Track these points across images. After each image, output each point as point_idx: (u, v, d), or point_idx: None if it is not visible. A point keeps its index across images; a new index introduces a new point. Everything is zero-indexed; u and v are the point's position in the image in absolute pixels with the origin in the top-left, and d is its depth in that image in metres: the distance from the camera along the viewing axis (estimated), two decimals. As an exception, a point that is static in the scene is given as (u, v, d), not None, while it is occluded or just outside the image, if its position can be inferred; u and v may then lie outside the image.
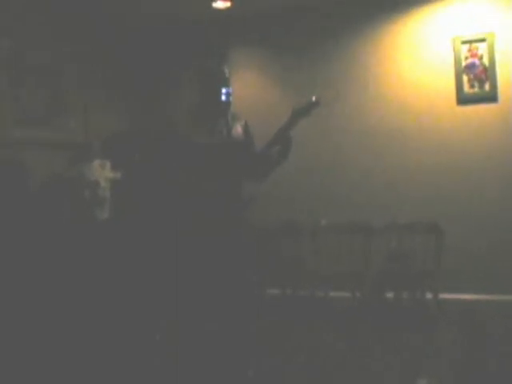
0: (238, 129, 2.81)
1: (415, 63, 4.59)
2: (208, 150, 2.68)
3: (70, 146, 4.33)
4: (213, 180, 2.69)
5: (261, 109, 4.96)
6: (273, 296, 4.37)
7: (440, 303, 3.98)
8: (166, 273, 2.96)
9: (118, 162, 3.95)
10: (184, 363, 2.70)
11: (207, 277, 2.67)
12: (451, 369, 3.01)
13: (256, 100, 5.06)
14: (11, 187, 3.53)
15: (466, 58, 4.40)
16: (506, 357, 2.96)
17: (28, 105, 4.16)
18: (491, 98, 4.32)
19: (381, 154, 4.66)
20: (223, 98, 2.69)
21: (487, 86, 4.33)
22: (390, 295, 4.15)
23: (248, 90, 5.07)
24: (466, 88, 4.40)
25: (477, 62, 4.37)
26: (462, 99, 4.41)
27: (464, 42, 4.41)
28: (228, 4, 4.73)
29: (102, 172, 3.80)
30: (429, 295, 4.01)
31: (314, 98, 2.69)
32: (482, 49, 4.35)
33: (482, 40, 4.34)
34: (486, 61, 4.33)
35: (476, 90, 4.37)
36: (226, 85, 2.73)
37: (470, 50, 4.39)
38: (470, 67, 4.39)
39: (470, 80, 4.39)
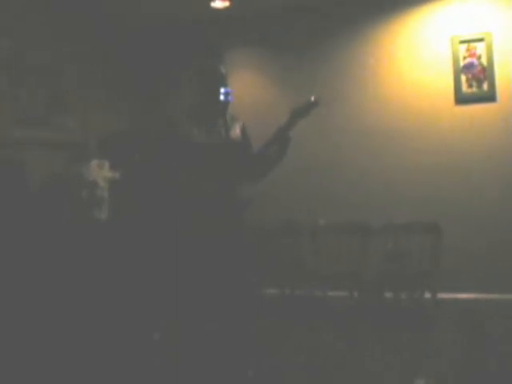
0: (237, 130, 2.80)
1: (413, 63, 4.57)
2: (206, 150, 2.66)
3: (70, 146, 4.31)
4: (212, 180, 2.67)
5: (260, 109, 4.94)
6: (272, 296, 4.35)
7: (439, 303, 3.96)
8: (165, 273, 2.93)
9: (117, 162, 3.92)
10: (184, 363, 2.68)
11: (207, 277, 2.65)
12: (450, 369, 3.00)
13: (255, 100, 5.03)
14: (10, 187, 3.51)
15: (465, 58, 4.38)
16: (505, 356, 2.94)
17: (28, 105, 4.14)
18: (489, 97, 4.30)
19: (379, 153, 4.63)
20: (222, 97, 2.67)
21: (485, 86, 4.31)
22: (388, 295, 4.13)
23: (247, 90, 5.04)
24: (465, 88, 4.38)
25: (475, 61, 4.34)
26: (461, 99, 4.39)
27: (462, 42, 4.38)
28: (227, 4, 4.69)
29: (101, 172, 3.77)
30: (427, 295, 3.98)
31: (312, 98, 2.68)
32: (480, 48, 4.32)
33: (480, 40, 4.32)
34: (484, 60, 4.31)
35: (474, 89, 4.35)
36: (225, 85, 2.70)
37: (468, 50, 4.37)
38: (468, 67, 4.36)
39: (468, 80, 4.36)
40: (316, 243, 4.38)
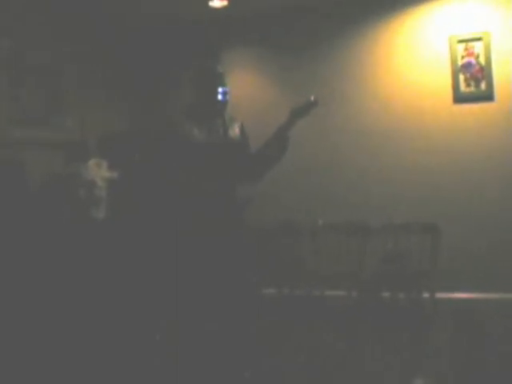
0: (236, 130, 2.78)
1: (412, 62, 4.54)
2: (206, 150, 2.63)
3: (69, 145, 4.28)
4: (212, 180, 2.64)
5: (259, 108, 4.91)
6: (271, 296, 4.33)
7: (438, 303, 3.93)
8: (165, 273, 2.90)
9: (116, 162, 3.89)
10: (184, 363, 2.65)
11: (207, 277, 2.62)
12: (449, 368, 2.98)
13: (255, 100, 5.00)
14: (10, 187, 3.48)
15: (463, 57, 4.34)
16: (504, 356, 2.91)
17: (28, 105, 4.12)
18: (487, 97, 4.27)
19: (378, 153, 4.60)
20: (220, 97, 2.64)
21: (483, 85, 4.28)
22: (387, 295, 4.10)
23: (246, 90, 5.00)
24: (463, 87, 4.34)
25: (473, 61, 4.31)
26: (459, 98, 4.35)
27: (460, 41, 4.34)
28: (225, 3, 4.65)
29: (99, 171, 3.73)
30: (426, 295, 3.96)
31: (312, 98, 2.67)
32: (479, 48, 4.29)
33: (479, 39, 4.28)
34: (482, 60, 4.28)
35: (472, 89, 4.32)
36: (223, 84, 2.66)
37: (466, 49, 4.33)
38: (467, 66, 4.33)
39: (466, 79, 4.33)
40: (315, 243, 4.35)
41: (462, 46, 4.33)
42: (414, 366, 3.06)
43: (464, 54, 4.33)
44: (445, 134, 4.40)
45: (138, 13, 4.84)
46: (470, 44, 4.31)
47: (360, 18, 4.68)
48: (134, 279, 3.49)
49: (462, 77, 4.33)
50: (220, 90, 2.65)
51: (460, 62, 4.34)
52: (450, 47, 4.37)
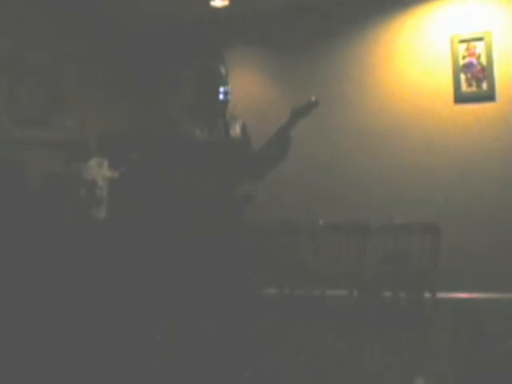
0: (237, 129, 2.77)
1: (413, 62, 4.54)
2: (206, 149, 2.63)
3: (70, 145, 4.29)
4: (212, 180, 2.65)
5: (260, 108, 4.92)
6: (271, 296, 4.33)
7: (438, 302, 3.94)
8: (165, 273, 2.91)
9: (116, 162, 3.90)
10: (184, 363, 2.66)
11: (207, 277, 2.63)
12: (449, 368, 2.98)
13: (255, 99, 5.01)
14: (10, 187, 3.49)
15: (464, 57, 4.35)
16: (504, 356, 2.92)
17: (28, 105, 4.13)
18: (489, 97, 4.28)
19: (378, 153, 4.61)
20: (221, 97, 2.64)
21: (485, 85, 4.29)
22: (387, 295, 4.11)
23: (247, 90, 5.01)
24: (464, 87, 4.35)
25: (474, 61, 4.32)
26: (460, 98, 4.36)
27: (462, 41, 4.35)
28: (226, 2, 4.66)
29: (100, 171, 3.74)
30: (427, 295, 3.96)
31: (313, 98, 2.66)
32: (480, 48, 4.30)
33: (480, 39, 4.29)
34: (483, 60, 4.29)
35: (473, 88, 4.33)
36: (224, 83, 2.67)
37: (467, 49, 4.34)
38: (468, 66, 4.34)
39: (467, 79, 4.34)
40: (316, 243, 4.35)
41: (463, 45, 4.34)
42: (414, 366, 3.06)
43: (465, 53, 4.34)
44: (446, 134, 4.41)
45: (137, 13, 4.85)
46: (472, 44, 4.31)
47: (361, 18, 4.69)
48: (135, 279, 3.50)
49: (463, 77, 4.34)
50: (221, 89, 2.64)
51: (461, 62, 4.34)
52: (452, 47, 4.38)
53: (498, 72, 4.25)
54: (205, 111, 2.72)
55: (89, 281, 3.38)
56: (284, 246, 4.45)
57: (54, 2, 4.37)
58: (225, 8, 4.76)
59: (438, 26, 4.45)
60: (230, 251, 2.71)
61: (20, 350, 3.03)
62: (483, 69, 4.28)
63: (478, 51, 4.30)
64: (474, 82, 4.32)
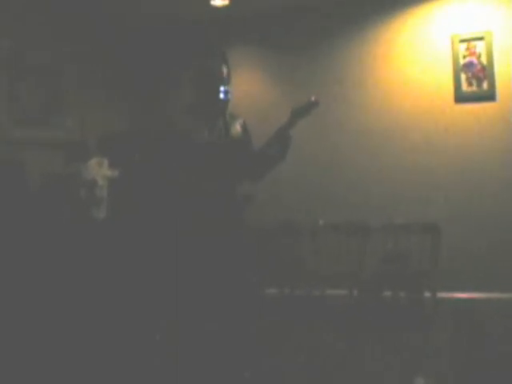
0: (237, 127, 2.78)
1: (413, 61, 4.56)
2: (206, 149, 2.64)
3: (70, 145, 4.30)
4: (212, 180, 2.66)
5: (260, 108, 4.94)
6: (272, 296, 4.35)
7: (438, 302, 3.95)
8: (165, 273, 2.93)
9: (117, 162, 3.91)
10: (184, 363, 2.67)
11: (207, 277, 2.64)
12: (450, 368, 2.99)
13: (255, 99, 5.03)
14: (10, 187, 3.50)
15: (464, 57, 4.37)
16: (505, 356, 2.93)
17: (28, 105, 4.14)
18: (489, 96, 4.29)
19: (378, 153, 4.63)
20: (221, 96, 2.65)
21: (485, 85, 4.30)
22: (387, 295, 4.12)
23: (247, 90, 5.03)
24: (464, 86, 4.37)
25: (475, 60, 4.33)
26: (460, 98, 4.38)
27: (462, 41, 4.37)
28: (226, 2, 4.68)
29: (100, 170, 3.75)
30: (427, 294, 3.98)
31: (313, 98, 2.66)
32: (480, 47, 4.31)
33: (480, 38, 4.31)
34: (483, 59, 4.30)
35: (474, 88, 4.34)
36: (224, 83, 2.68)
37: (468, 49, 4.36)
38: (468, 66, 4.35)
39: (468, 78, 4.36)
40: (316, 243, 4.37)
41: (463, 45, 4.36)
42: (414, 366, 3.07)
43: (466, 53, 4.35)
44: (446, 134, 4.42)
45: (137, 13, 4.87)
46: (472, 43, 4.33)
47: (361, 18, 4.71)
48: (135, 279, 3.52)
49: (463, 76, 4.35)
50: (222, 89, 2.65)
51: (462, 62, 4.36)
52: (452, 46, 4.39)
53: (498, 71, 4.26)
54: (205, 111, 2.72)
55: (89, 281, 3.39)
56: (284, 245, 4.46)
57: (53, 2, 4.39)
58: (225, 8, 4.77)
59: (439, 25, 4.47)
60: (230, 251, 2.71)
61: (20, 350, 3.04)
62: (483, 68, 4.30)
63: (478, 51, 4.31)
64: (474, 81, 4.34)
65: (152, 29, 5.21)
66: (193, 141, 2.64)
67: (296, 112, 2.68)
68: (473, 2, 4.36)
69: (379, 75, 4.67)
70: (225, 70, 2.73)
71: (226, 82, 2.70)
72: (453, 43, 4.39)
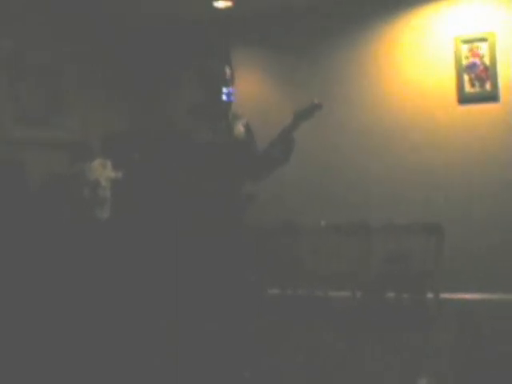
0: (240, 128, 2.81)
1: (416, 62, 4.61)
2: (207, 149, 2.67)
3: (71, 146, 4.34)
4: (212, 180, 2.70)
5: (260, 108, 4.98)
6: (273, 296, 4.38)
7: (441, 303, 3.98)
8: (165, 272, 2.97)
9: (118, 162, 3.96)
10: (184, 363, 2.71)
11: (206, 276, 2.68)
12: (452, 369, 3.01)
13: (256, 99, 5.07)
14: (11, 187, 3.54)
15: (467, 58, 4.41)
16: (506, 357, 2.97)
17: (28, 104, 4.16)
18: (492, 97, 4.34)
19: (380, 153, 4.67)
20: (224, 97, 2.69)
21: (488, 86, 4.35)
22: (390, 295, 4.16)
23: (248, 90, 5.07)
24: (467, 87, 4.41)
25: (478, 61, 4.38)
26: (463, 99, 4.43)
27: (465, 42, 4.42)
28: (229, 3, 4.73)
29: (103, 171, 3.80)
30: (430, 295, 4.02)
31: (316, 101, 2.69)
32: (483, 48, 4.36)
33: (483, 40, 4.36)
34: (486, 60, 4.35)
35: (477, 89, 4.38)
36: (228, 85, 2.72)
37: (470, 50, 4.41)
38: (471, 67, 4.40)
39: (470, 79, 4.40)
40: (318, 244, 4.39)
41: (466, 46, 4.40)
42: (417, 367, 3.10)
43: (469, 54, 4.40)
44: (449, 135, 4.46)
45: (137, 13, 4.91)
46: (475, 44, 4.38)
47: (364, 18, 4.75)
48: (136, 279, 3.55)
49: (466, 77, 4.40)
50: (225, 90, 2.69)
51: (465, 63, 4.40)
52: (455, 48, 4.44)
53: (501, 73, 4.31)
54: (208, 112, 2.75)
55: (91, 281, 3.43)
56: (285, 246, 4.48)
57: (54, 2, 4.43)
58: (226, 8, 4.82)
59: (442, 26, 4.52)
60: (230, 250, 2.75)
61: (20, 349, 3.07)
62: (486, 69, 4.34)
63: (481, 52, 4.36)
64: (477, 82, 4.38)
65: (152, 29, 5.25)
66: (193, 141, 2.67)
67: (299, 114, 2.70)
68: (476, 3, 4.41)
69: (381, 76, 4.71)
70: (228, 72, 2.76)
71: (229, 83, 2.73)
72: (456, 44, 4.44)
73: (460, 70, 4.42)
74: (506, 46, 4.31)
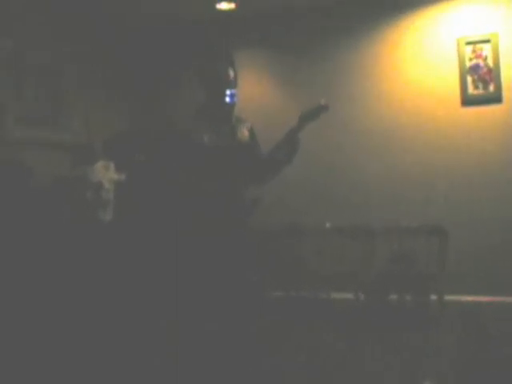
0: (245, 132, 2.83)
1: (419, 64, 4.67)
2: (207, 150, 2.69)
3: (70, 145, 4.40)
4: (213, 180, 2.74)
5: (261, 109, 5.03)
6: (277, 298, 4.41)
7: (444, 305, 4.04)
8: (166, 273, 3.02)
9: (120, 163, 4.01)
10: (184, 363, 2.76)
11: (207, 276, 2.73)
12: (456, 371, 3.06)
13: (257, 100, 5.12)
14: (15, 188, 3.57)
15: (471, 59, 4.48)
16: (510, 359, 3.01)
17: (28, 105, 4.22)
18: (496, 99, 4.40)
19: (383, 155, 4.73)
20: (227, 99, 2.72)
21: (491, 87, 4.41)
22: (393, 297, 4.20)
23: (249, 90, 5.10)
24: (471, 89, 4.48)
25: (481, 63, 4.44)
26: (467, 100, 4.49)
27: (468, 43, 4.49)
28: (232, 6, 4.81)
29: (106, 173, 3.85)
30: (433, 297, 4.07)
31: (322, 102, 2.70)
32: (487, 50, 4.43)
33: (487, 41, 4.43)
34: (490, 62, 4.41)
35: (480, 91, 4.45)
36: (231, 87, 2.76)
37: (474, 51, 4.47)
38: (475, 68, 4.46)
39: (474, 81, 4.46)
40: (322, 245, 4.43)
41: (469, 47, 4.47)
42: (420, 369, 3.14)
43: (472, 55, 4.47)
44: (452, 137, 4.53)
45: (137, 13, 4.98)
46: (478, 46, 4.45)
47: (367, 19, 4.82)
48: (138, 279, 3.60)
49: (469, 79, 4.46)
50: (228, 92, 2.71)
51: (468, 64, 4.47)
52: (458, 49, 4.51)
53: (504, 74, 4.37)
54: (211, 113, 2.77)
55: (93, 283, 3.47)
56: (288, 246, 4.52)
57: (54, 2, 4.50)
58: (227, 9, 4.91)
59: (445, 27, 4.59)
60: (232, 251, 2.79)
61: (20, 350, 3.11)
62: (490, 71, 4.41)
63: (484, 53, 4.43)
64: (480, 84, 4.44)
65: (152, 29, 5.31)
66: (193, 141, 2.69)
67: (305, 116, 2.71)
68: (479, 4, 4.48)
69: (384, 76, 4.78)
70: (231, 73, 2.79)
71: (232, 85, 2.76)
72: (459, 46, 4.51)
73: (463, 72, 4.49)
74: (509, 47, 4.38)
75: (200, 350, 2.71)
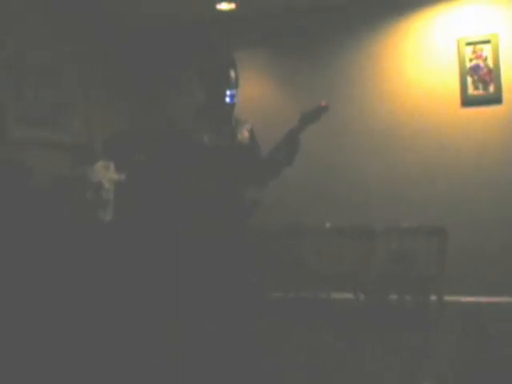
0: (245, 133, 2.85)
1: (420, 65, 4.71)
2: (207, 150, 2.71)
3: (70, 145, 4.41)
4: (213, 180, 2.76)
5: (262, 109, 5.06)
6: (276, 298, 4.43)
7: (444, 305, 4.06)
8: (166, 273, 3.04)
9: (120, 163, 4.04)
10: (184, 363, 2.78)
11: (207, 277, 2.75)
12: (456, 371, 3.08)
13: (257, 100, 5.14)
14: (16, 189, 3.58)
15: (471, 60, 4.51)
16: (510, 359, 3.03)
17: (28, 105, 4.23)
18: (496, 99, 4.44)
19: (384, 155, 4.76)
20: (228, 100, 2.74)
21: (492, 88, 4.45)
22: (393, 297, 4.23)
23: (249, 91, 5.07)
24: (471, 90, 4.51)
25: (481, 63, 4.47)
26: (467, 101, 4.52)
27: (468, 44, 4.52)
28: (232, 6, 4.83)
29: (106, 173, 3.87)
30: (433, 297, 4.10)
31: (323, 103, 2.72)
32: (487, 50, 4.46)
33: (487, 41, 4.46)
34: (490, 62, 4.45)
35: (480, 91, 4.48)
36: (232, 87, 2.78)
37: (474, 52, 4.51)
38: (475, 69, 4.50)
39: (474, 82, 4.50)
40: (321, 245, 4.46)
41: (470, 48, 4.51)
42: (420, 369, 3.16)
43: (472, 56, 4.50)
44: (453, 137, 4.56)
45: (137, 13, 5.00)
46: (479, 46, 4.48)
47: (367, 19, 4.85)
48: (138, 280, 3.62)
49: (469, 79, 4.50)
50: (228, 92, 2.73)
51: (468, 65, 4.51)
52: (458, 50, 4.54)
53: (504, 74, 4.41)
54: (211, 114, 2.79)
55: (93, 284, 3.49)
56: (288, 247, 4.55)
57: (54, 2, 4.52)
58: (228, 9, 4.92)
59: (445, 28, 4.62)
60: (231, 251, 2.81)
61: (20, 350, 3.13)
62: (490, 71, 4.44)
63: (484, 54, 4.47)
64: (480, 84, 4.48)
65: (152, 29, 5.34)
66: (193, 141, 2.70)
67: (305, 117, 2.73)
68: (479, 5, 4.52)
69: (384, 77, 4.81)
70: (232, 74, 2.81)
71: (233, 85, 2.78)
72: (459, 46, 4.54)
73: (463, 72, 4.52)
74: (509, 48, 4.41)
75: (200, 350, 2.73)
